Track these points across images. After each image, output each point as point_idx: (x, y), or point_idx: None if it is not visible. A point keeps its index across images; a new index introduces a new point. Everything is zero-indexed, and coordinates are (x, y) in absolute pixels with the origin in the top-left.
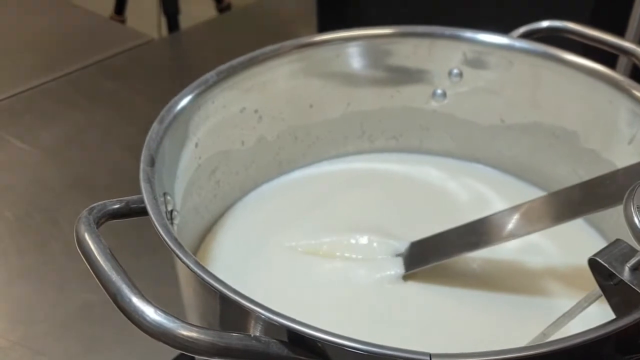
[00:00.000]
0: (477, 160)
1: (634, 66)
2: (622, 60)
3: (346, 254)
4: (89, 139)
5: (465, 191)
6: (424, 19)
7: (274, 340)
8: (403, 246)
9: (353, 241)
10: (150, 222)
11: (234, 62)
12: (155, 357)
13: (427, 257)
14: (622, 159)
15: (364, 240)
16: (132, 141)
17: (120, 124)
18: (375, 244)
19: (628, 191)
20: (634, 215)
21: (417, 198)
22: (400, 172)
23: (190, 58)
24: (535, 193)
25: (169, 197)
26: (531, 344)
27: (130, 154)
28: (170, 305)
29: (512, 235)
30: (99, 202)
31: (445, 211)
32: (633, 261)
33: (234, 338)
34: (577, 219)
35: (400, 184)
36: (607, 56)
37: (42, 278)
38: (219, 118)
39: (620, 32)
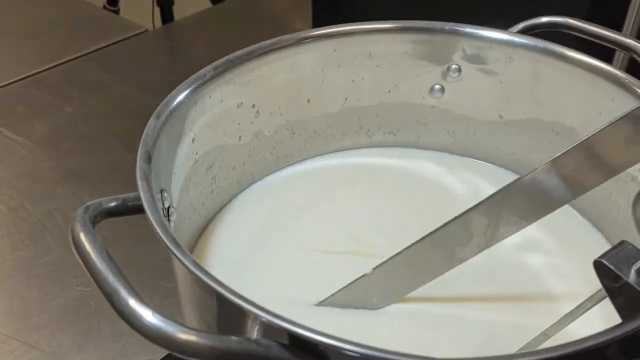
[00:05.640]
0: (475, 157)
1: (630, 62)
2: (618, 57)
3: (345, 251)
4: (82, 130)
5: (463, 186)
6: (420, 14)
7: (274, 343)
8: (400, 244)
9: (351, 237)
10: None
11: (231, 56)
12: (150, 351)
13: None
14: None
15: (362, 236)
16: (126, 132)
17: (113, 115)
18: (373, 240)
19: (636, 193)
20: None
21: (414, 193)
22: (397, 167)
23: (184, 49)
24: None
25: (165, 194)
26: (531, 345)
27: (124, 144)
28: (166, 298)
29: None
30: (95, 201)
31: (443, 205)
32: (639, 263)
33: (233, 342)
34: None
35: (397, 178)
36: (602, 52)
37: (36, 271)
38: (216, 113)
39: (617, 28)
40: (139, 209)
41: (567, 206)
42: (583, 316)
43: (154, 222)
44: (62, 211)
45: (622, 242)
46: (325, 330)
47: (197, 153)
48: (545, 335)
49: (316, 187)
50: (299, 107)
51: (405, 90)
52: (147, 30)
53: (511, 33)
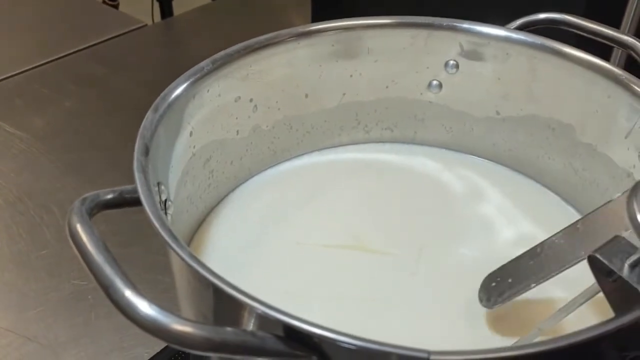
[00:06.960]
0: (472, 153)
1: (628, 60)
2: (616, 54)
3: (341, 246)
4: (81, 125)
5: (460, 182)
6: (419, 9)
7: (270, 335)
8: (397, 239)
9: (348, 232)
10: (142, 207)
11: (230, 50)
12: (147, 344)
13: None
14: (618, 153)
15: (359, 231)
16: (124, 127)
17: (112, 109)
18: (370, 235)
19: (631, 188)
20: (636, 212)
21: (411, 188)
22: (395, 163)
23: (183, 44)
24: (530, 185)
25: (163, 187)
26: (526, 339)
27: (123, 139)
28: (163, 292)
29: None
30: (92, 192)
31: (440, 201)
32: (633, 258)
33: (229, 333)
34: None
35: (395, 174)
36: (599, 49)
37: (34, 264)
38: (214, 107)
39: (615, 25)
40: (136, 201)
41: (562, 202)
42: (577, 310)
43: (150, 214)
44: (60, 205)
45: (615, 237)
46: (321, 323)
47: (194, 147)
48: (540, 329)
49: (313, 182)
50: (296, 102)
51: (403, 85)
52: (146, 25)
53: (509, 29)
